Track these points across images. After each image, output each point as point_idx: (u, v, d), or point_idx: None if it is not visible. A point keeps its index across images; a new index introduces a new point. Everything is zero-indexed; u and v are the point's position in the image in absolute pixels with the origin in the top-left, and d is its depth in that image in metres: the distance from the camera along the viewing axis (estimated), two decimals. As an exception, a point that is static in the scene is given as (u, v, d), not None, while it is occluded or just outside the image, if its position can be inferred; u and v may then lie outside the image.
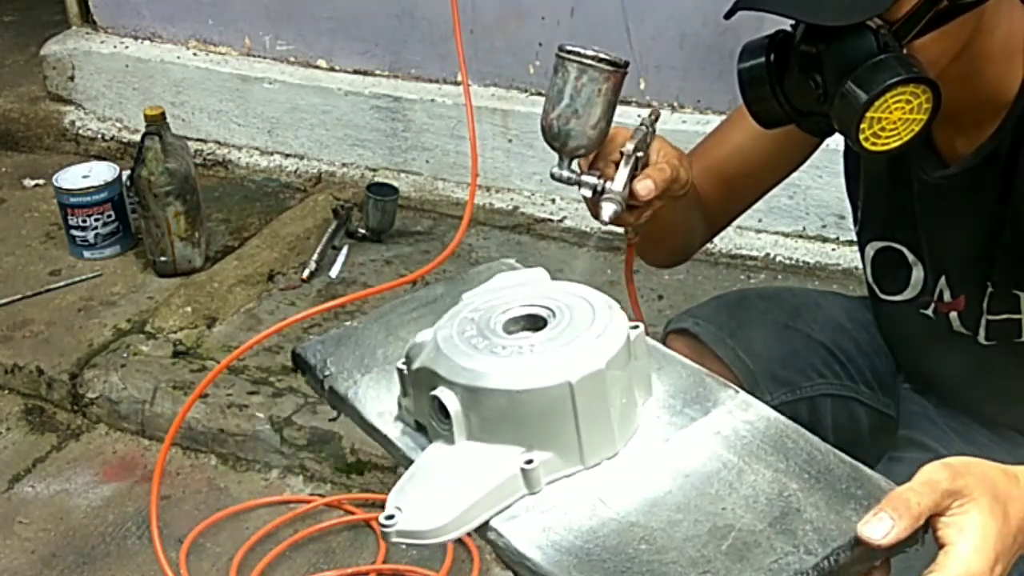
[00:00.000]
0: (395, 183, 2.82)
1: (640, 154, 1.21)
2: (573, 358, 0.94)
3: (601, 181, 1.21)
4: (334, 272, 2.62)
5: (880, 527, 0.84)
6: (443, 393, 0.95)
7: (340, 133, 3.02)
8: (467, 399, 0.95)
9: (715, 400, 1.00)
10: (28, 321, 2.53)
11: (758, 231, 2.64)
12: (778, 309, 1.51)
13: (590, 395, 0.94)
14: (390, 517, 0.93)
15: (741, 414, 0.98)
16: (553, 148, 1.24)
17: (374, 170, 3.01)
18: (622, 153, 1.20)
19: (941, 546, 0.85)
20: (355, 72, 3.01)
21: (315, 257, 2.63)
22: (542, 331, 0.99)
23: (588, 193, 1.21)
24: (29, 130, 3.34)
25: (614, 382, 0.95)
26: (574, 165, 1.24)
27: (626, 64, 1.21)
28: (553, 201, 2.82)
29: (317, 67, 3.06)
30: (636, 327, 0.98)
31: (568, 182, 1.23)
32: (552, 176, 1.24)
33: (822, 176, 2.48)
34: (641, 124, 1.22)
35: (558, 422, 0.94)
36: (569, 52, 1.20)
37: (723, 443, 0.96)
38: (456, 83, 2.87)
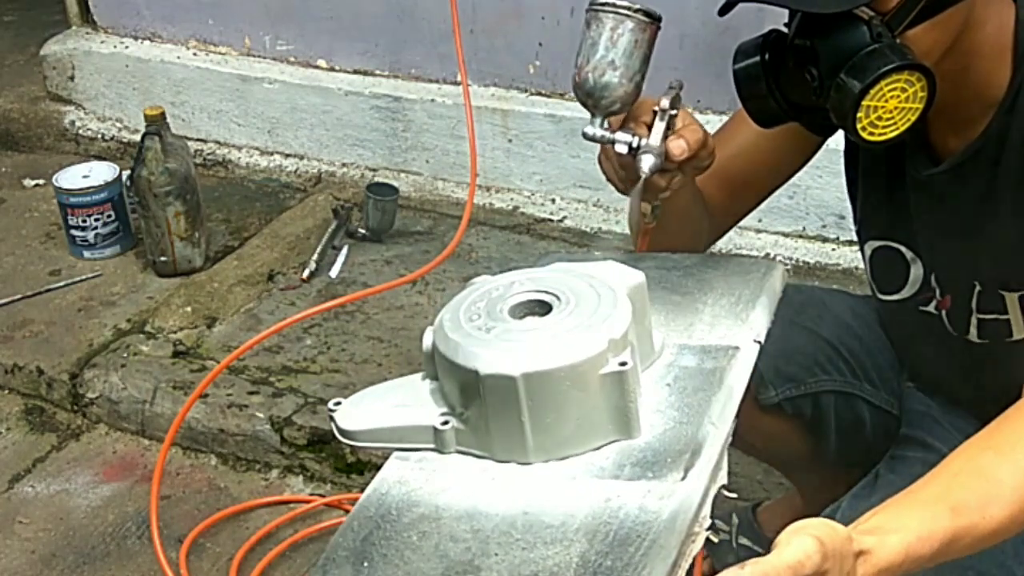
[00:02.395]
0: (395, 183, 2.82)
1: (674, 112, 1.20)
2: (501, 354, 0.96)
3: (636, 138, 1.19)
4: (334, 272, 2.62)
5: None
6: (427, 332, 1.04)
7: (340, 133, 3.02)
8: (435, 345, 1.02)
9: (656, 474, 0.95)
10: (28, 321, 2.53)
11: (758, 231, 2.64)
12: (784, 305, 1.51)
13: (501, 395, 0.96)
14: (338, 403, 1.06)
15: (652, 499, 0.92)
16: (586, 105, 1.21)
17: (374, 170, 3.01)
18: (655, 111, 1.19)
19: None
20: (355, 72, 3.01)
21: (315, 257, 2.63)
22: (528, 320, 1.02)
23: (623, 150, 1.19)
24: (29, 130, 3.34)
25: (543, 396, 0.95)
26: (606, 124, 1.22)
27: (660, 18, 1.19)
28: (553, 201, 2.82)
29: (317, 67, 3.06)
30: (624, 364, 0.96)
31: (602, 141, 1.21)
32: (585, 136, 1.21)
33: (822, 176, 2.49)
34: (670, 86, 1.21)
35: (472, 404, 0.98)
36: (603, 4, 1.18)
37: (594, 510, 0.93)
38: (456, 83, 2.87)
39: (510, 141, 2.81)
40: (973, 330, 1.34)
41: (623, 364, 0.96)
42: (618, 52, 1.18)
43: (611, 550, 0.89)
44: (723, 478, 0.99)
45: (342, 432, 1.05)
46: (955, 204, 1.28)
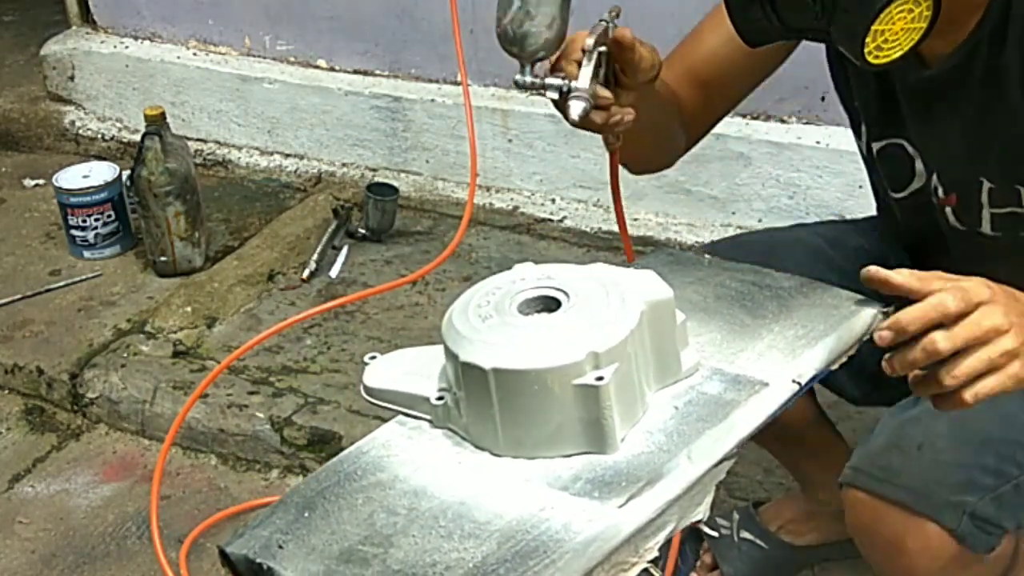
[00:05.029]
0: (395, 183, 2.82)
1: (603, 49, 1.19)
2: (481, 346, 0.98)
3: (566, 82, 1.19)
4: (334, 272, 2.62)
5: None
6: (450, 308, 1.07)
7: (340, 133, 3.02)
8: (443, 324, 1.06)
9: (602, 495, 0.92)
10: (28, 321, 2.53)
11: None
12: (748, 252, 1.45)
13: (475, 385, 0.98)
14: (373, 357, 1.11)
15: (579, 519, 0.90)
16: (512, 55, 1.23)
17: (374, 170, 3.01)
18: (583, 50, 1.19)
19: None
20: (355, 72, 3.01)
21: (315, 257, 2.63)
22: (530, 316, 1.02)
23: (555, 96, 1.19)
24: (29, 130, 3.34)
25: (512, 393, 0.96)
26: (537, 70, 1.22)
27: None
28: (553, 201, 2.82)
29: (317, 67, 3.06)
30: (600, 379, 0.94)
31: (532, 88, 1.22)
32: (515, 84, 1.23)
33: (822, 176, 2.48)
34: (600, 20, 1.21)
35: (460, 388, 1.00)
36: None
37: (522, 515, 0.92)
38: (456, 83, 2.87)
39: (510, 141, 2.81)
40: (986, 224, 1.32)
41: (599, 379, 0.94)
42: (532, 2, 1.20)
43: (511, 559, 0.87)
44: (700, 514, 0.95)
45: (365, 388, 1.08)
46: (954, 104, 1.27)
